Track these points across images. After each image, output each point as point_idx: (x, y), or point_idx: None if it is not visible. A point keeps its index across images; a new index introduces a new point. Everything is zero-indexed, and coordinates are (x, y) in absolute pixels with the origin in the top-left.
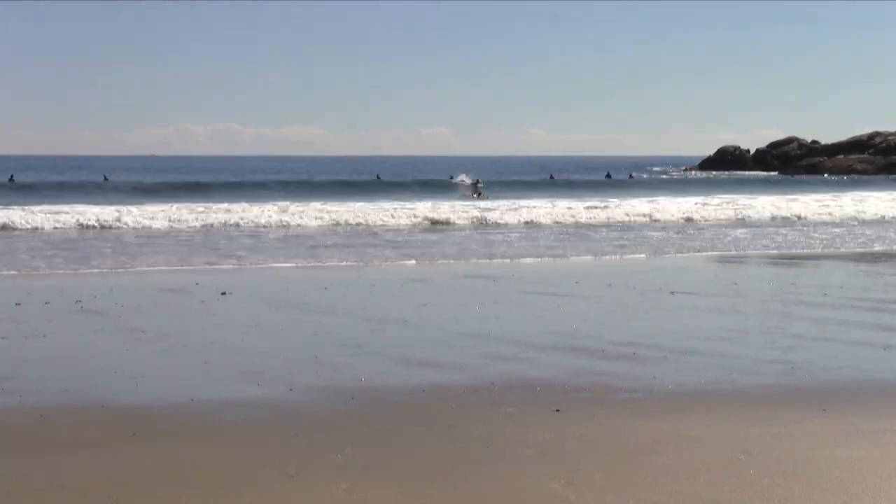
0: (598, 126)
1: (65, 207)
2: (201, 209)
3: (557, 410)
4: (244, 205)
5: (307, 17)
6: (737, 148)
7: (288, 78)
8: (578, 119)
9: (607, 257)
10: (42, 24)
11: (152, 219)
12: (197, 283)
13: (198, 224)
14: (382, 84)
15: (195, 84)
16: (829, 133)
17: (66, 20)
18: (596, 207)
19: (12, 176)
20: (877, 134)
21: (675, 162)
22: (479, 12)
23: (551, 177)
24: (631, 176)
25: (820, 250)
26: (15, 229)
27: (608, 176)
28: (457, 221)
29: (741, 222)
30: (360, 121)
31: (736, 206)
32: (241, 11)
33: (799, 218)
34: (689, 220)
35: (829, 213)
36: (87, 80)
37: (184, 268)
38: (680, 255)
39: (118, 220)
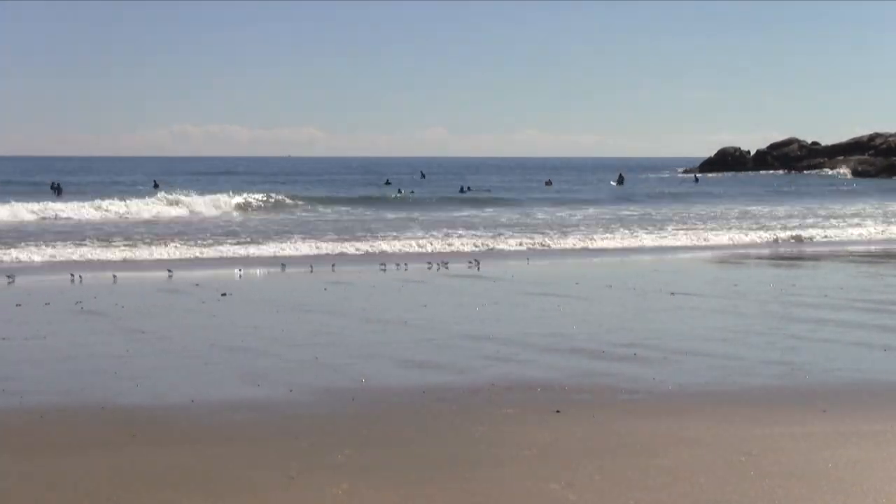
0: (595, 127)
1: None
2: None
3: (557, 411)
4: None
5: (304, 18)
6: (737, 149)
7: (285, 79)
8: (575, 120)
9: (607, 259)
10: (39, 25)
11: None
12: (197, 285)
13: None
14: (379, 85)
15: (192, 86)
16: (830, 134)
17: (64, 22)
18: None
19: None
20: (877, 135)
21: (674, 163)
22: (477, 14)
23: (549, 182)
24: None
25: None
26: None
27: (620, 180)
28: None
29: None
30: (356, 122)
31: None
32: (239, 13)
33: None
34: None
35: None
36: (84, 82)
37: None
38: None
39: None
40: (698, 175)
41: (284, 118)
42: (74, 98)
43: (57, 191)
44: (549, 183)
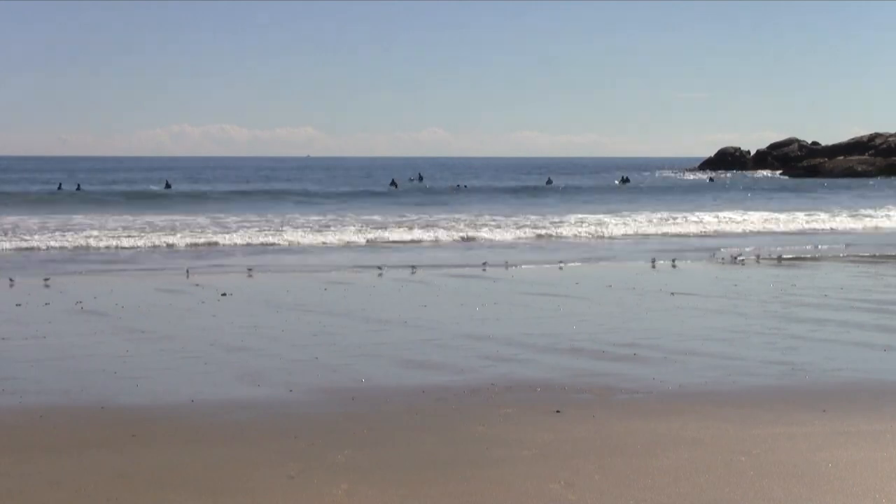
0: (594, 127)
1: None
2: None
3: (557, 411)
4: None
5: (302, 18)
6: (737, 149)
7: (284, 79)
8: (573, 120)
9: (607, 258)
10: (37, 26)
11: None
12: (197, 285)
13: None
14: (378, 85)
15: (190, 86)
16: (830, 134)
17: (61, 22)
18: None
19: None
20: (877, 135)
21: (673, 164)
22: (476, 14)
23: (549, 181)
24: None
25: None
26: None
27: (625, 180)
28: None
29: None
30: (355, 122)
31: None
32: (237, 13)
33: None
34: None
35: None
36: (81, 82)
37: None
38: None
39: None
40: (713, 175)
41: (282, 118)
42: (72, 98)
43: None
44: (549, 182)
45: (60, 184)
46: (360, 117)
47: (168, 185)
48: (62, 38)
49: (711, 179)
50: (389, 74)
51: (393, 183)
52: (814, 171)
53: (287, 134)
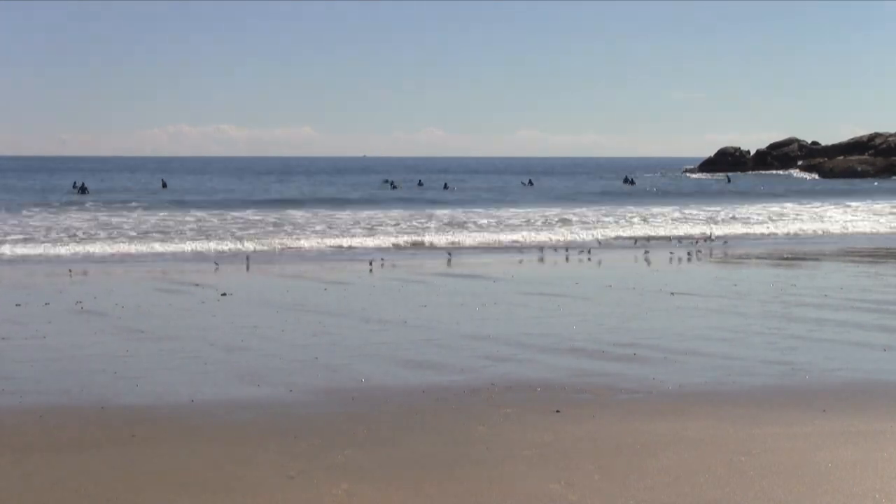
0: (594, 127)
1: None
2: None
3: (557, 411)
4: None
5: (301, 18)
6: (737, 149)
7: (283, 79)
8: (572, 121)
9: (609, 258)
10: (35, 26)
11: None
12: (197, 284)
13: None
14: (376, 86)
15: (187, 86)
16: (830, 134)
17: (60, 23)
18: None
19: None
20: (877, 135)
21: (673, 164)
22: (475, 14)
23: (530, 182)
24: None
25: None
26: None
27: (630, 181)
28: None
29: None
30: (354, 122)
31: None
32: (235, 13)
33: None
34: None
35: None
36: (80, 83)
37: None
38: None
39: None
40: (730, 175)
41: (281, 118)
42: (71, 99)
43: (82, 191)
44: (530, 183)
45: (75, 182)
46: (359, 118)
47: (164, 185)
48: (62, 38)
49: (729, 180)
50: (388, 75)
51: (391, 184)
52: (814, 171)
53: (286, 134)
